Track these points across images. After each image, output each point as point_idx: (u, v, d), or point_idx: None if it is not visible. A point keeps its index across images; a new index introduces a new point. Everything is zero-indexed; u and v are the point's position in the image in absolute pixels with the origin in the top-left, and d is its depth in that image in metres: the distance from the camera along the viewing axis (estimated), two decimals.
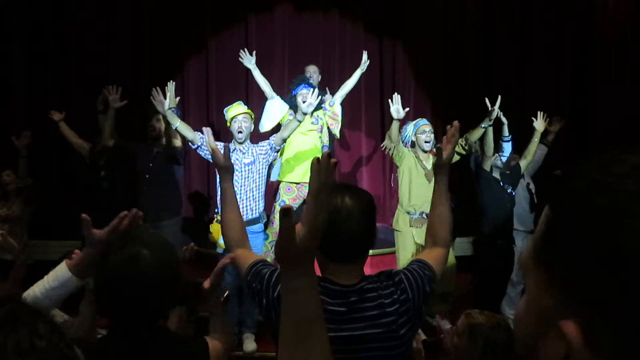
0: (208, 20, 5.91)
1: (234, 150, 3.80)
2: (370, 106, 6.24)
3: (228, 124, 3.86)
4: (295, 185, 4.42)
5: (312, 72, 5.01)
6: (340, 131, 4.72)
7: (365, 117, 6.20)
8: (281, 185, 4.46)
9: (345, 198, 1.39)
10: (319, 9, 5.99)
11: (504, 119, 4.32)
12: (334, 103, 4.55)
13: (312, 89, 4.35)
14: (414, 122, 4.18)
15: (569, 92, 6.24)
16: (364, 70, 4.57)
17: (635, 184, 0.40)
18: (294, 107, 4.43)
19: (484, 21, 6.18)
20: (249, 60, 4.41)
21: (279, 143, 3.88)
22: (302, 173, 4.36)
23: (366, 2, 6.08)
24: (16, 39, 5.65)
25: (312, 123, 4.48)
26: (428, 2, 6.12)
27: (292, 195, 4.45)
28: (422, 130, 4.07)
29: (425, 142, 4.04)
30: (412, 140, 4.17)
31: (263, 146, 3.85)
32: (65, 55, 5.73)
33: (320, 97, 4.26)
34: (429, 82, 6.12)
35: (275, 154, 4.01)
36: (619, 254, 0.39)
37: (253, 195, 3.82)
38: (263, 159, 3.83)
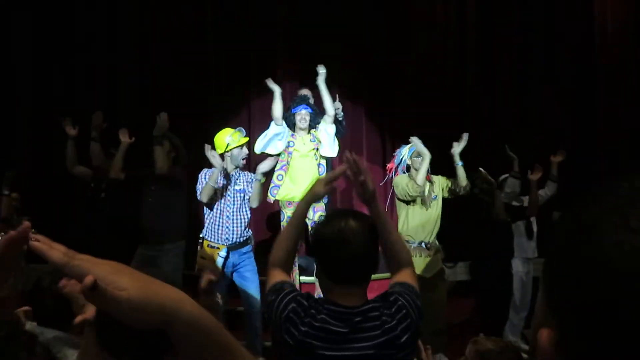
0: (211, 98, 5.94)
1: (224, 176, 3.87)
2: (371, 131, 6.27)
3: (228, 148, 3.88)
4: (294, 203, 4.47)
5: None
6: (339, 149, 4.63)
7: (366, 141, 6.22)
8: (281, 202, 4.51)
9: (350, 221, 1.42)
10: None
11: (513, 155, 4.43)
12: (319, 129, 4.53)
13: (312, 112, 4.48)
14: (409, 145, 4.14)
15: (570, 112, 6.28)
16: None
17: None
18: (291, 125, 4.50)
19: (484, 43, 6.26)
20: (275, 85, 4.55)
21: (258, 177, 3.95)
22: (299, 191, 4.37)
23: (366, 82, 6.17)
24: (22, 55, 5.72)
25: (310, 140, 4.53)
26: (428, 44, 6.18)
27: (292, 209, 4.46)
28: (417, 154, 4.02)
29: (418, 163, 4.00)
30: (407, 164, 4.13)
31: (250, 177, 3.99)
32: (70, 67, 5.80)
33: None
34: (429, 111, 6.14)
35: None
36: (580, 283, 0.46)
37: (244, 220, 3.92)
38: (250, 189, 3.95)
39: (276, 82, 5.90)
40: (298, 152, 4.49)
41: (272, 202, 4.61)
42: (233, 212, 3.88)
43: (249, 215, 4.01)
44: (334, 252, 1.42)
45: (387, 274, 5.07)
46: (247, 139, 4.00)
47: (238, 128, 4.03)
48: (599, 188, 0.50)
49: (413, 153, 4.04)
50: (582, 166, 5.88)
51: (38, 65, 5.74)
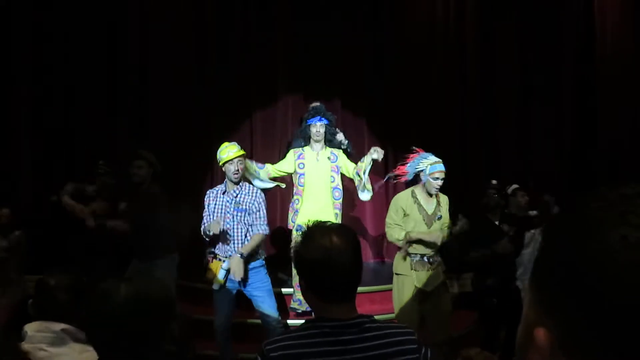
0: (215, 112, 5.91)
1: (224, 192, 3.77)
2: (372, 141, 6.27)
3: (221, 163, 3.79)
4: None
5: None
6: (345, 152, 4.57)
7: (368, 150, 6.21)
8: (296, 223, 4.44)
9: (333, 238, 1.40)
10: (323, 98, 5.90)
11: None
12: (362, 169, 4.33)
13: (327, 123, 4.39)
14: (431, 161, 3.83)
15: (570, 129, 6.30)
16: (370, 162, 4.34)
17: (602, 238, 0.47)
18: (305, 137, 4.43)
19: (483, 57, 6.29)
20: None
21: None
22: (310, 216, 4.26)
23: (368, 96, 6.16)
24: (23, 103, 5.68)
25: (329, 159, 4.41)
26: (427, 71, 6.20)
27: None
28: (435, 176, 3.77)
29: (435, 187, 3.79)
30: (420, 178, 3.86)
31: (255, 193, 3.79)
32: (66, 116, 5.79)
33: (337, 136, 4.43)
34: (429, 123, 6.14)
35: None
36: (577, 278, 0.48)
37: (247, 237, 3.76)
38: (254, 213, 3.77)
39: (277, 95, 5.98)
40: (311, 171, 4.38)
41: (292, 227, 4.53)
42: (233, 228, 3.74)
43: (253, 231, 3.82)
44: (322, 273, 1.40)
45: (384, 286, 5.01)
46: (238, 153, 3.76)
47: (232, 142, 3.91)
48: (592, 192, 0.52)
49: (433, 173, 3.77)
50: (582, 175, 5.90)
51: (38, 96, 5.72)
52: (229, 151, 3.75)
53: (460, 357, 1.94)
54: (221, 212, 3.75)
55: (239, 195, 3.77)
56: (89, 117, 5.70)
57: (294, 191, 4.55)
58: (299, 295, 4.41)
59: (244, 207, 3.75)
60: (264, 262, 3.86)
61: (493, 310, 4.28)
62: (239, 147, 3.82)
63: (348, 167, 4.48)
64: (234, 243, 3.74)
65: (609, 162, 5.87)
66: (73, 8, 5.63)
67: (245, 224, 3.75)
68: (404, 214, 3.81)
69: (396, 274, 3.92)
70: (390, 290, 4.93)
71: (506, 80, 6.25)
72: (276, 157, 5.38)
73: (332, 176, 4.40)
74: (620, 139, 5.99)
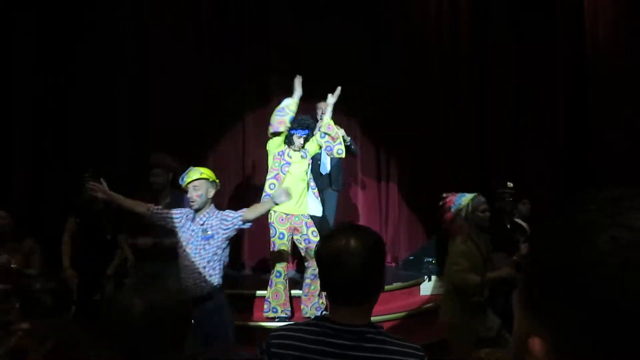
0: (206, 114, 5.88)
1: (193, 218, 3.37)
2: (365, 144, 6.29)
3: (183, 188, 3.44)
4: (285, 215, 4.43)
5: (325, 109, 4.99)
6: (347, 149, 4.78)
7: (360, 155, 6.23)
8: (274, 217, 4.42)
9: (350, 240, 1.37)
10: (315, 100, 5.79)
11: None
12: (326, 125, 4.62)
13: (308, 133, 4.51)
14: (469, 196, 3.63)
15: (563, 132, 6.32)
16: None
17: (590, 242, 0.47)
18: (289, 142, 4.53)
19: (477, 61, 6.32)
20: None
21: (246, 220, 3.35)
22: (292, 205, 4.30)
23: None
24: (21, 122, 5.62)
25: (302, 157, 4.56)
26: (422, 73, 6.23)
27: (285, 225, 4.44)
28: (483, 208, 3.57)
29: (486, 221, 3.59)
30: (464, 213, 3.57)
31: (227, 220, 3.33)
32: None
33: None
34: (423, 127, 6.14)
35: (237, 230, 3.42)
36: (569, 287, 0.47)
37: (207, 270, 3.30)
38: (224, 234, 3.32)
39: (270, 95, 5.97)
40: (294, 167, 4.50)
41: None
42: (192, 260, 3.29)
43: (217, 265, 3.33)
44: (330, 273, 1.40)
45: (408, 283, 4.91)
46: (193, 177, 3.32)
47: (196, 168, 3.44)
48: (580, 195, 0.51)
49: (479, 207, 3.56)
50: (576, 177, 5.92)
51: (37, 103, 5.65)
52: (187, 175, 3.37)
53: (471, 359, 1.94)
54: (186, 242, 3.34)
55: (205, 223, 3.34)
56: (87, 117, 5.66)
57: (272, 175, 4.50)
58: (274, 304, 4.47)
59: (210, 233, 3.32)
60: (222, 303, 3.37)
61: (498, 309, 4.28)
62: (201, 172, 3.36)
63: (315, 144, 4.65)
64: (193, 274, 3.29)
65: (603, 163, 5.89)
66: (74, 8, 5.62)
67: (208, 254, 3.31)
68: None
69: (450, 324, 3.59)
70: (384, 292, 4.86)
71: (499, 81, 6.27)
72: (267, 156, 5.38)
73: (306, 171, 4.60)
74: (615, 140, 6.00)
